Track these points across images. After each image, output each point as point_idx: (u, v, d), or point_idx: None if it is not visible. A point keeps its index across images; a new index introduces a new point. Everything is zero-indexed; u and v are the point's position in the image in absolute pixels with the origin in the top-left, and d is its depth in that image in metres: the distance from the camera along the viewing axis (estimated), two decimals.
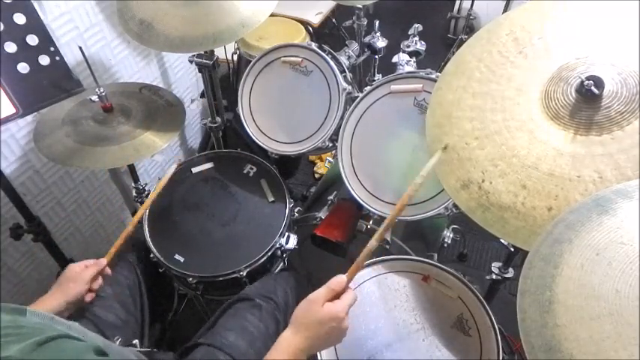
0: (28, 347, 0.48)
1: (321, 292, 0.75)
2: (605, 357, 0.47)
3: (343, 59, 1.40)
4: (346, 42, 1.56)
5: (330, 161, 1.84)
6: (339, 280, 0.76)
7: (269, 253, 1.18)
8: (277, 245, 1.21)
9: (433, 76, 1.07)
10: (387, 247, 1.20)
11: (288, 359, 0.72)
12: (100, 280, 0.96)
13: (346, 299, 0.75)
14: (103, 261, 0.97)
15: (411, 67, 1.36)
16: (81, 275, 0.92)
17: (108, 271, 0.99)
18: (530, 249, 0.61)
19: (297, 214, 1.35)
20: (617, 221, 0.55)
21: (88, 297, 0.94)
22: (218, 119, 1.60)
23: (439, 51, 2.62)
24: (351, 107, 1.18)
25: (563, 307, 0.52)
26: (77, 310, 0.96)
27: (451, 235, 1.36)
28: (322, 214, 1.30)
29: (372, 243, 0.78)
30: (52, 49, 0.92)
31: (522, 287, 0.58)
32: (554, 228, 0.59)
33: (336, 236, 1.16)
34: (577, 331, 0.50)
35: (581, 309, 0.51)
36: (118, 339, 0.94)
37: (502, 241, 1.03)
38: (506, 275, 1.22)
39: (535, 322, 0.54)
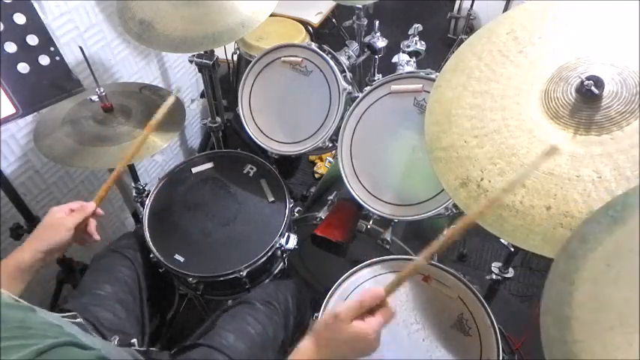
0: (32, 354, 0.47)
1: (349, 308, 0.66)
2: None
3: (343, 59, 1.40)
4: (346, 42, 1.56)
5: (330, 161, 1.84)
6: (375, 295, 0.66)
7: (269, 253, 1.18)
8: (277, 245, 1.21)
9: (433, 76, 1.07)
10: (387, 247, 1.20)
11: None
12: (94, 223, 0.90)
13: (380, 317, 0.66)
14: (92, 204, 0.89)
15: (411, 67, 1.36)
16: (63, 221, 0.84)
17: (100, 212, 0.92)
18: (551, 268, 0.60)
19: (297, 214, 1.35)
20: (627, 230, 0.54)
21: (94, 237, 0.88)
22: (218, 119, 1.60)
23: (439, 51, 2.62)
24: (351, 107, 1.18)
25: (580, 323, 0.52)
26: (75, 310, 0.96)
27: None
28: (322, 214, 1.30)
29: (421, 260, 0.69)
30: (52, 49, 0.92)
31: (544, 306, 0.57)
32: (569, 244, 0.59)
33: (336, 236, 1.16)
34: (593, 344, 0.50)
35: (596, 322, 0.50)
36: (115, 338, 0.94)
37: (502, 241, 1.03)
38: (506, 275, 1.22)
39: (556, 339, 0.53)
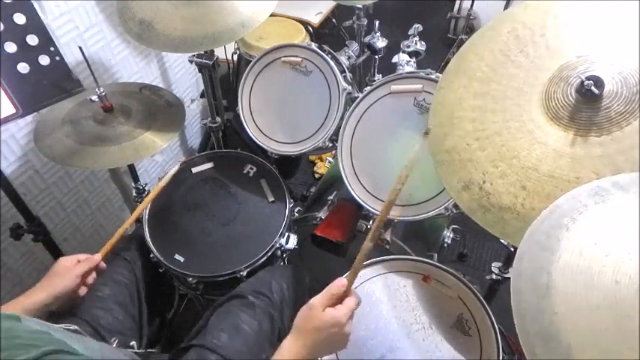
0: None
1: (321, 298, 0.74)
2: (604, 348, 0.46)
3: (343, 59, 1.40)
4: (346, 42, 1.56)
5: (330, 161, 1.84)
6: (340, 284, 0.74)
7: (269, 253, 1.18)
8: (277, 245, 1.21)
9: (433, 76, 1.07)
10: (387, 247, 1.20)
11: None
12: (94, 275, 0.94)
13: (348, 304, 0.73)
14: (97, 257, 0.95)
15: (411, 67, 1.36)
16: (70, 271, 0.89)
17: (102, 265, 0.96)
18: (525, 236, 0.59)
19: (297, 214, 1.35)
20: (616, 212, 0.54)
21: (82, 291, 0.92)
22: (218, 119, 1.60)
23: (439, 51, 2.62)
24: (351, 107, 1.18)
25: (561, 294, 0.51)
26: (75, 311, 0.96)
27: (451, 235, 1.36)
28: (322, 214, 1.30)
29: (367, 244, 0.77)
30: (52, 49, 0.92)
31: (518, 268, 0.56)
32: (551, 213, 0.58)
33: (336, 236, 1.16)
34: (576, 320, 0.49)
35: (581, 298, 0.49)
36: (115, 340, 0.94)
37: (502, 241, 1.03)
38: (506, 275, 1.22)
39: (531, 305, 0.52)
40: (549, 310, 0.51)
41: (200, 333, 0.98)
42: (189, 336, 1.01)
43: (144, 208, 1.12)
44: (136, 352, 0.93)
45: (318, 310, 0.72)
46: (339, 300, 0.74)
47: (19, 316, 0.57)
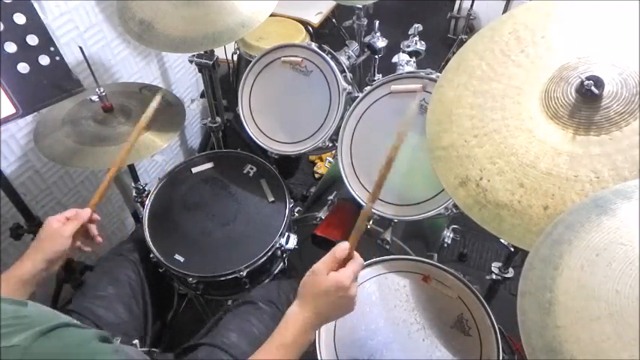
0: (31, 336, 0.48)
1: (324, 262, 0.74)
2: (605, 358, 0.47)
3: (343, 59, 1.40)
4: (346, 42, 1.56)
5: (330, 161, 1.84)
6: (342, 247, 0.74)
7: (269, 253, 1.18)
8: (277, 245, 1.21)
9: (433, 76, 1.07)
10: (387, 247, 1.20)
11: (297, 333, 0.71)
12: (93, 228, 0.92)
13: (351, 266, 0.73)
14: (86, 211, 0.91)
15: (411, 67, 1.36)
16: (60, 230, 0.86)
17: (96, 217, 0.94)
18: (530, 250, 0.61)
19: (297, 214, 1.35)
20: (617, 222, 0.55)
21: (97, 238, 0.91)
22: (218, 119, 1.60)
23: (439, 51, 2.62)
24: (351, 107, 1.18)
25: (563, 309, 0.52)
26: (77, 310, 0.96)
27: (451, 235, 1.36)
28: (322, 214, 1.30)
29: (368, 205, 0.76)
30: (52, 49, 0.92)
31: (522, 288, 0.58)
32: (554, 229, 0.59)
33: (336, 236, 1.16)
34: (578, 332, 0.50)
35: (582, 310, 0.50)
36: (117, 339, 0.94)
37: (502, 241, 1.03)
38: (506, 275, 1.22)
39: (535, 323, 0.54)
40: (552, 324, 0.52)
41: (210, 332, 0.99)
42: (197, 335, 1.01)
43: (136, 137, 1.03)
44: (142, 351, 0.94)
45: (322, 274, 0.72)
46: (341, 264, 0.74)
47: (25, 302, 0.57)
